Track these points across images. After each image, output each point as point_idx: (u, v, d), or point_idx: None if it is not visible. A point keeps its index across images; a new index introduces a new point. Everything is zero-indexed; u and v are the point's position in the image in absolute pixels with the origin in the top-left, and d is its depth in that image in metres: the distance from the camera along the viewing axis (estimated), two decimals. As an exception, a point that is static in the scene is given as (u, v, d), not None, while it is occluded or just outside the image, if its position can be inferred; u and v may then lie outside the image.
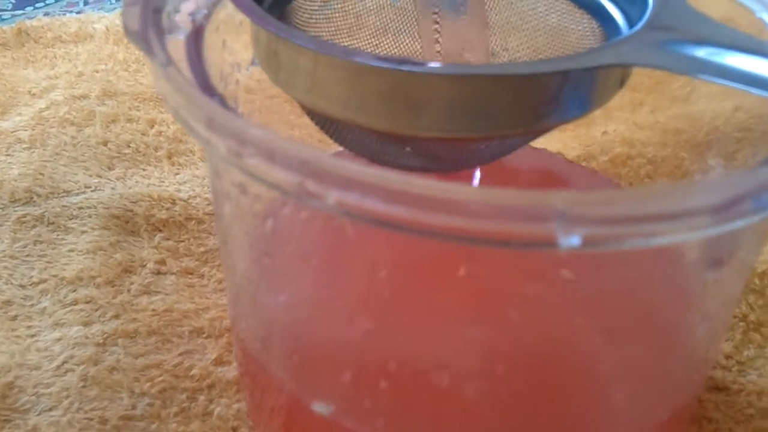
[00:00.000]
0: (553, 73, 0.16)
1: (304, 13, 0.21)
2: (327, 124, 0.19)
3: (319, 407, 0.17)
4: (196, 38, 0.18)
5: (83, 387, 0.24)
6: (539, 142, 0.23)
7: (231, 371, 0.25)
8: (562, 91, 0.17)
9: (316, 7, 0.22)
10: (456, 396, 0.17)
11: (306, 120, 0.20)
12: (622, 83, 0.19)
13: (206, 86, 0.16)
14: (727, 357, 0.26)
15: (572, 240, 0.13)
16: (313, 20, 0.21)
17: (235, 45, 0.22)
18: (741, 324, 0.27)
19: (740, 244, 0.17)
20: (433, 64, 0.16)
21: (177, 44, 0.17)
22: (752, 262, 0.19)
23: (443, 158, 0.19)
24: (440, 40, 0.22)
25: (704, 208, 0.13)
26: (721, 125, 0.27)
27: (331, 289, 0.17)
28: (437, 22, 0.22)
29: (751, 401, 0.25)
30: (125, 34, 0.17)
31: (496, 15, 0.22)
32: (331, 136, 0.20)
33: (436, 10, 0.22)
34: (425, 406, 0.17)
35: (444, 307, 0.17)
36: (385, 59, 0.16)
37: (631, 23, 0.19)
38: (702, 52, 0.16)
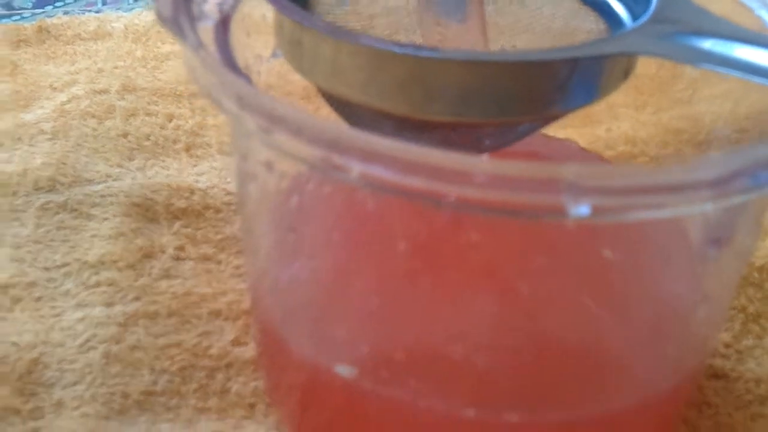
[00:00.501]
0: (562, 60, 0.17)
1: (323, 5, 0.22)
2: (346, 109, 0.20)
3: (342, 369, 0.17)
4: (223, 26, 0.19)
5: (106, 364, 0.25)
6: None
7: (248, 351, 0.26)
8: (570, 79, 0.18)
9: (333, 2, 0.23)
10: (470, 362, 0.18)
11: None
12: (626, 75, 0.20)
13: (234, 68, 0.17)
14: (727, 346, 0.27)
15: (581, 210, 0.13)
16: (331, 15, 0.22)
17: (259, 37, 0.23)
18: (740, 315, 0.28)
19: (738, 225, 0.17)
20: (449, 51, 0.17)
21: (206, 30, 0.18)
22: (750, 247, 0.20)
23: (455, 143, 0.20)
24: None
25: (704, 182, 0.13)
26: (721, 126, 0.28)
27: (352, 261, 0.18)
28: (441, 33, 0.23)
29: (749, 388, 0.25)
30: (158, 21, 0.18)
31: (503, 17, 0.23)
32: (348, 122, 0.21)
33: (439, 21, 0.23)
34: (444, 373, 0.18)
35: (459, 278, 0.18)
36: (404, 46, 0.17)
37: (635, 19, 0.20)
38: (705, 43, 0.17)
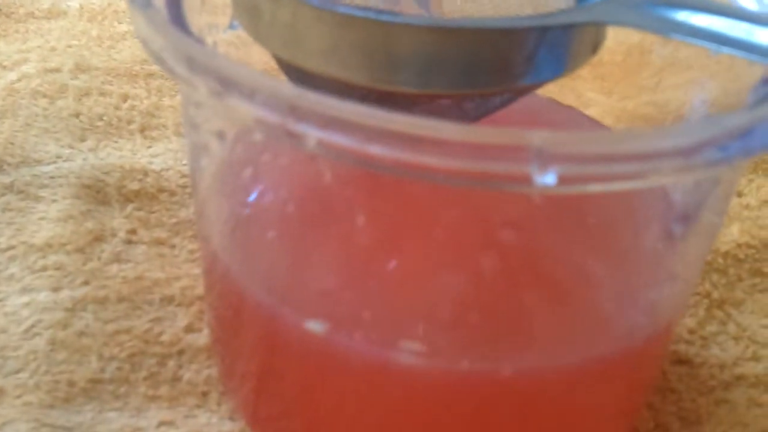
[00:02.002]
0: (531, 28, 0.16)
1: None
2: (307, 81, 0.19)
3: (313, 325, 0.17)
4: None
5: (51, 350, 0.24)
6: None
7: (202, 338, 0.25)
8: (539, 49, 0.17)
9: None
10: (452, 315, 0.17)
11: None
12: (595, 49, 0.19)
13: (186, 29, 0.16)
14: (691, 332, 0.27)
15: (548, 178, 0.13)
16: None
17: (215, 5, 0.22)
18: (705, 301, 0.28)
19: (706, 202, 0.17)
20: (412, 16, 0.17)
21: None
22: (717, 226, 0.19)
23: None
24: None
25: (677, 149, 0.13)
26: (686, 113, 0.27)
27: (311, 235, 0.18)
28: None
29: (713, 374, 0.25)
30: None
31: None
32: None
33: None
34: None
35: (424, 251, 0.17)
36: (365, 9, 0.16)
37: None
38: (675, 14, 0.17)
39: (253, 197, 0.18)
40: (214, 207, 0.19)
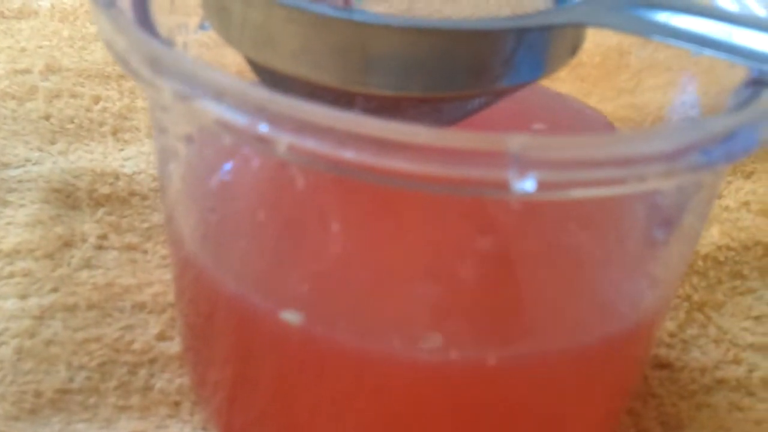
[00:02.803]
0: (510, 30, 0.16)
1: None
2: (279, 83, 0.18)
3: (288, 315, 0.16)
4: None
5: (18, 360, 0.23)
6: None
7: (174, 346, 0.24)
8: (517, 51, 0.17)
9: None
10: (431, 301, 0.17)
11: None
12: (574, 51, 0.19)
13: (152, 30, 0.15)
14: (671, 335, 0.26)
15: (527, 184, 0.12)
16: None
17: (185, 5, 0.21)
18: (685, 304, 0.27)
19: (688, 206, 0.17)
20: (387, 16, 0.16)
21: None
22: (699, 230, 0.19)
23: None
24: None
25: (658, 154, 0.13)
26: (666, 115, 0.27)
27: (281, 243, 0.17)
28: None
29: (694, 377, 0.25)
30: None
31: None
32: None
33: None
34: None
35: (399, 259, 0.17)
36: (338, 9, 0.15)
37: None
38: (656, 15, 0.16)
39: (217, 208, 0.18)
40: (183, 207, 0.19)
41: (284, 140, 0.13)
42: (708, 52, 0.16)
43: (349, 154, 0.13)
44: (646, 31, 0.16)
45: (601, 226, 0.18)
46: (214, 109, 0.13)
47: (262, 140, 0.13)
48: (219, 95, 0.13)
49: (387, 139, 0.12)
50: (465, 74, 0.17)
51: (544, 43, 0.17)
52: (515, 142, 0.12)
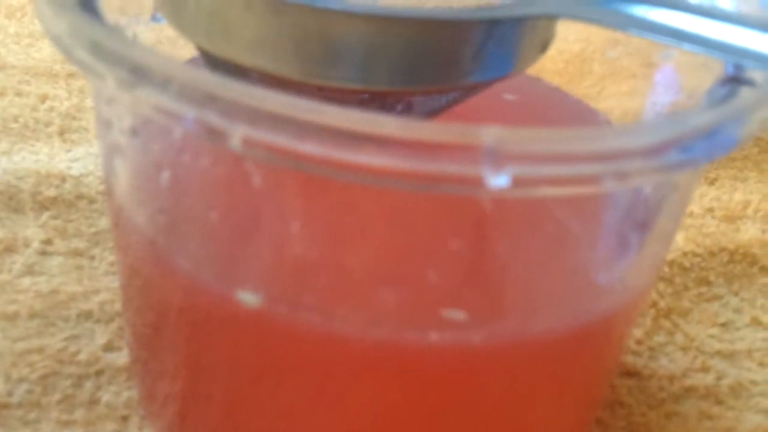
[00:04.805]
0: (481, 20, 0.15)
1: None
2: (235, 76, 0.17)
3: (246, 296, 0.15)
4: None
5: (-49, 373, 0.21)
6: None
7: (122, 357, 0.23)
8: (488, 43, 0.16)
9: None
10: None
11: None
12: (544, 48, 0.18)
13: (95, 13, 0.14)
14: (638, 342, 0.26)
15: (501, 180, 0.12)
16: None
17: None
18: (651, 311, 0.27)
19: (663, 208, 0.16)
20: (350, 3, 0.15)
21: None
22: (672, 233, 0.19)
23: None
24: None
25: (640, 149, 0.12)
26: (630, 121, 0.27)
27: (237, 245, 0.16)
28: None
29: (662, 386, 0.25)
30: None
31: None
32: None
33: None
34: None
35: (365, 259, 0.16)
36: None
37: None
38: (632, 9, 0.16)
39: (166, 209, 0.17)
40: (127, 213, 0.18)
41: (238, 132, 0.12)
42: (685, 47, 0.15)
43: (309, 147, 0.12)
44: (622, 25, 0.15)
45: (571, 229, 0.17)
46: (158, 98, 0.12)
47: (213, 132, 0.12)
48: (165, 82, 0.12)
49: (351, 131, 0.11)
50: (433, 67, 0.16)
51: (514, 36, 0.16)
52: (488, 134, 0.11)
